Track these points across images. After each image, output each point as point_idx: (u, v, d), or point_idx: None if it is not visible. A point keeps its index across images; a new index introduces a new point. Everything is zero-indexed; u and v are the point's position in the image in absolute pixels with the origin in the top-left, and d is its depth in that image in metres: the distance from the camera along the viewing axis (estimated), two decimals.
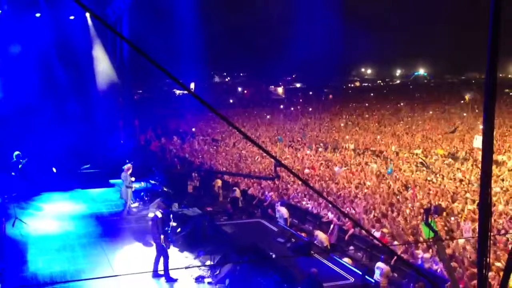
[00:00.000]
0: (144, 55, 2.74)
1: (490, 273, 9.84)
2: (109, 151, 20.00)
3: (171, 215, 11.59)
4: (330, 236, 13.53)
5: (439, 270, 11.10)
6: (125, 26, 21.65)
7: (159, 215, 10.89)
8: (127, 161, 16.48)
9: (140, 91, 52.84)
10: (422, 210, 14.70)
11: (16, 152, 16.92)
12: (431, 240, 11.84)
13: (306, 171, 20.33)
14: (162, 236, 10.69)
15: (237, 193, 17.29)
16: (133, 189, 15.78)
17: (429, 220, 9.36)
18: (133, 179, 15.74)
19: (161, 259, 10.72)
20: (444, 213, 13.97)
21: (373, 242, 12.87)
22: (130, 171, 15.58)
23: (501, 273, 9.45)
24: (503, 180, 18.72)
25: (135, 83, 33.22)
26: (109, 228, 14.04)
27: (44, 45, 20.39)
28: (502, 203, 15.41)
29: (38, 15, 20.46)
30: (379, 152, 26.32)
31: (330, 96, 67.22)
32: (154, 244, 10.94)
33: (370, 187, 18.31)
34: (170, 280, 10.55)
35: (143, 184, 16.84)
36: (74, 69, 21.08)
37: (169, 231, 11.03)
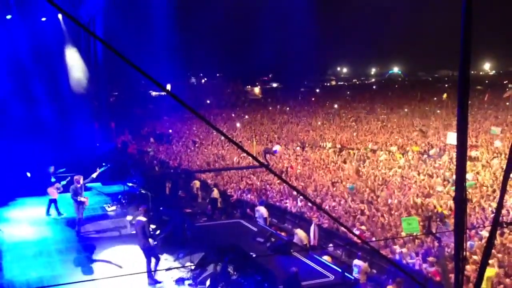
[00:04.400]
0: (119, 55, 2.70)
1: (468, 267, 10.05)
2: (85, 154, 19.72)
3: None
4: (312, 239, 13.59)
5: (417, 266, 11.27)
6: (98, 27, 21.40)
7: (143, 219, 10.79)
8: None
9: (116, 93, 52.17)
10: (402, 209, 14.93)
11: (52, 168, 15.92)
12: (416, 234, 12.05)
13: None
14: (150, 240, 10.63)
15: (215, 193, 17.22)
16: (86, 204, 13.96)
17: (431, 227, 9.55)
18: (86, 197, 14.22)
19: (145, 261, 10.64)
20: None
21: (352, 239, 12.99)
22: (82, 182, 13.92)
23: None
24: (478, 173, 19.11)
25: (111, 85, 32.83)
26: (86, 232, 13.83)
27: (16, 47, 20.00)
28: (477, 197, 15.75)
29: (9, 17, 20.07)
30: (357, 150, 26.58)
31: (307, 95, 67.69)
32: (142, 249, 10.78)
33: (346, 185, 18.47)
34: (155, 282, 10.48)
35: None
36: (47, 72, 20.74)
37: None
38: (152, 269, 10.58)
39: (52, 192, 15.30)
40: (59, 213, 15.39)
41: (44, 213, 15.54)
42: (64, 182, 15.25)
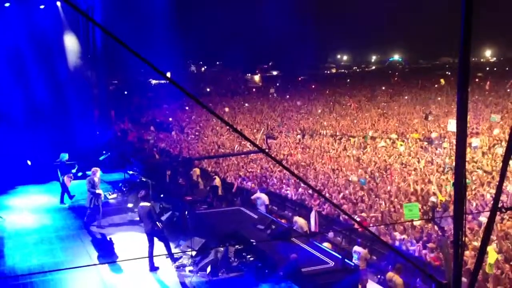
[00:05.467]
0: (120, 42, 2.70)
1: (467, 252, 10.11)
2: (85, 142, 19.72)
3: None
4: (313, 225, 13.63)
5: (416, 252, 11.34)
6: (97, 15, 21.23)
7: (148, 204, 10.78)
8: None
9: (116, 82, 52.10)
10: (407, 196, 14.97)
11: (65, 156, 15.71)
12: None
13: None
14: (158, 223, 10.64)
15: (217, 181, 17.27)
16: (103, 197, 13.85)
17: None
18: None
19: (148, 245, 10.64)
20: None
21: (352, 226, 13.06)
22: (98, 175, 13.53)
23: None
24: (476, 162, 19.12)
25: (110, 73, 32.68)
26: (87, 220, 13.88)
27: (14, 35, 19.89)
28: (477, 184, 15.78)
29: (7, 4, 19.94)
30: (357, 137, 26.56)
31: (307, 83, 67.50)
32: (148, 233, 10.76)
33: (347, 172, 18.51)
34: (156, 268, 10.53)
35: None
36: (46, 60, 20.63)
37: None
38: (165, 253, 10.57)
39: (67, 181, 15.33)
40: (62, 202, 15.42)
41: (46, 201, 15.61)
42: (74, 170, 15.28)
